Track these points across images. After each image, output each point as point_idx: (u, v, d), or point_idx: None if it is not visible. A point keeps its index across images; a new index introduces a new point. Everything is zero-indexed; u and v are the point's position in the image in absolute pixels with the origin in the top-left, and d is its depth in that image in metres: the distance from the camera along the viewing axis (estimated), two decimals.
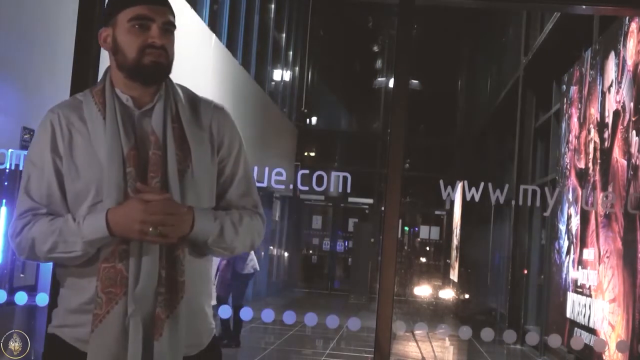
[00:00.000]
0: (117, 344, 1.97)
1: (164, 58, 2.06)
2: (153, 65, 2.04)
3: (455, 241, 19.81)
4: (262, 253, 15.89)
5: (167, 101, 2.10)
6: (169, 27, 2.08)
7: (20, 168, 5.60)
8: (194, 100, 2.18)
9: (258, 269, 9.77)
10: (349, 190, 4.67)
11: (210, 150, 2.12)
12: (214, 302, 2.22)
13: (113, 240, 1.99)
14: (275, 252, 19.33)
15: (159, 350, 1.98)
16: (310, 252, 22.54)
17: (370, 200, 22.25)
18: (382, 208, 4.50)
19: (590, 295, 7.64)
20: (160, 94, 2.10)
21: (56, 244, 2.01)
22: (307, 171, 4.72)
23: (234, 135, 2.18)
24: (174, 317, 2.00)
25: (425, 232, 23.72)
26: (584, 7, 5.13)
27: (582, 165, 8.43)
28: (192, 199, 2.05)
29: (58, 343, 2.07)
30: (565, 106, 9.68)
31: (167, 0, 2.11)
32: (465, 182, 4.83)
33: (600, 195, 6.89)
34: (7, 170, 5.53)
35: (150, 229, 1.93)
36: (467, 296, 17.68)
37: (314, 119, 23.45)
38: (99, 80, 2.18)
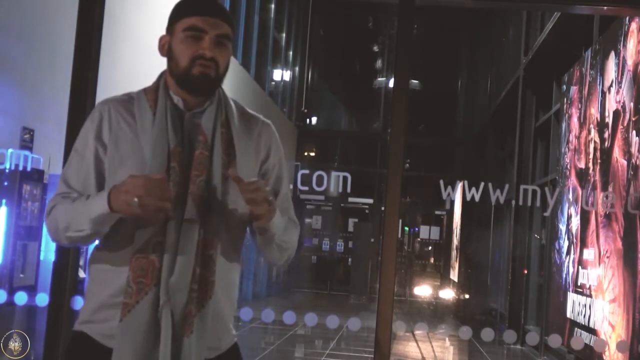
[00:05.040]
0: (145, 334, 2.00)
1: (213, 70, 2.10)
2: (201, 76, 2.09)
3: (455, 241, 19.79)
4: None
5: (219, 107, 2.16)
6: (222, 40, 2.12)
7: (20, 168, 5.61)
8: (243, 112, 2.24)
9: None
10: (349, 190, 4.68)
11: (254, 160, 2.18)
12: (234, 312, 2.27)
13: (147, 231, 2.02)
14: None
15: (188, 346, 2.01)
16: (311, 252, 22.53)
17: (370, 200, 22.23)
18: (382, 208, 4.51)
19: (590, 296, 7.63)
20: (212, 100, 2.15)
21: (70, 222, 2.06)
22: (307, 171, 4.72)
23: (278, 151, 2.25)
24: (202, 315, 2.03)
25: (425, 232, 23.71)
26: (584, 7, 5.14)
27: (582, 165, 8.43)
28: (232, 201, 2.10)
29: (84, 340, 2.09)
30: (565, 106, 9.67)
31: (225, 13, 2.15)
32: (465, 182, 4.84)
33: (600, 195, 6.89)
34: (7, 170, 5.54)
35: (135, 199, 1.94)
36: (467, 296, 17.67)
37: (314, 119, 23.44)
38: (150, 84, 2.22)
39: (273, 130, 2.27)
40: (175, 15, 2.15)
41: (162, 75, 2.20)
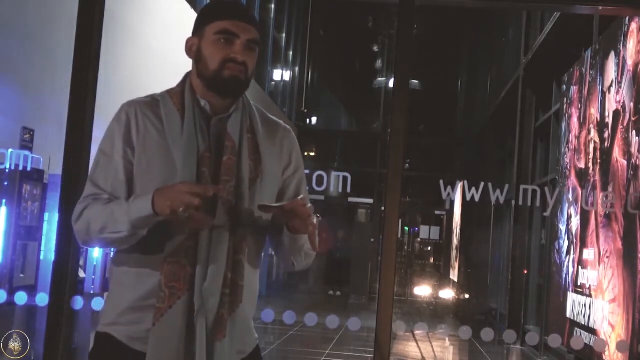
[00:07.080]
0: (179, 339, 2.00)
1: (243, 74, 2.12)
2: (232, 79, 2.10)
3: (455, 241, 19.79)
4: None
5: (244, 113, 2.18)
6: (251, 45, 2.13)
7: (20, 168, 5.60)
8: (266, 117, 2.28)
9: None
10: (349, 190, 4.68)
11: (278, 166, 2.20)
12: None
13: (178, 237, 2.02)
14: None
15: (221, 350, 2.02)
16: None
17: (370, 200, 22.23)
18: (382, 208, 4.51)
19: (590, 295, 7.64)
20: (237, 106, 2.17)
21: (106, 223, 2.03)
22: (307, 171, 4.72)
23: (299, 157, 2.29)
24: (233, 320, 2.05)
25: (425, 232, 23.71)
26: (583, 7, 5.14)
27: (582, 165, 8.43)
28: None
29: (110, 342, 2.08)
30: (565, 106, 9.67)
31: (254, 18, 2.18)
32: (465, 182, 4.84)
33: (600, 195, 6.89)
34: (7, 170, 5.53)
35: (181, 209, 1.92)
36: (467, 296, 17.68)
37: (314, 119, 23.44)
38: (175, 85, 2.21)
39: (294, 136, 2.31)
40: (206, 18, 2.14)
41: (186, 77, 2.19)
